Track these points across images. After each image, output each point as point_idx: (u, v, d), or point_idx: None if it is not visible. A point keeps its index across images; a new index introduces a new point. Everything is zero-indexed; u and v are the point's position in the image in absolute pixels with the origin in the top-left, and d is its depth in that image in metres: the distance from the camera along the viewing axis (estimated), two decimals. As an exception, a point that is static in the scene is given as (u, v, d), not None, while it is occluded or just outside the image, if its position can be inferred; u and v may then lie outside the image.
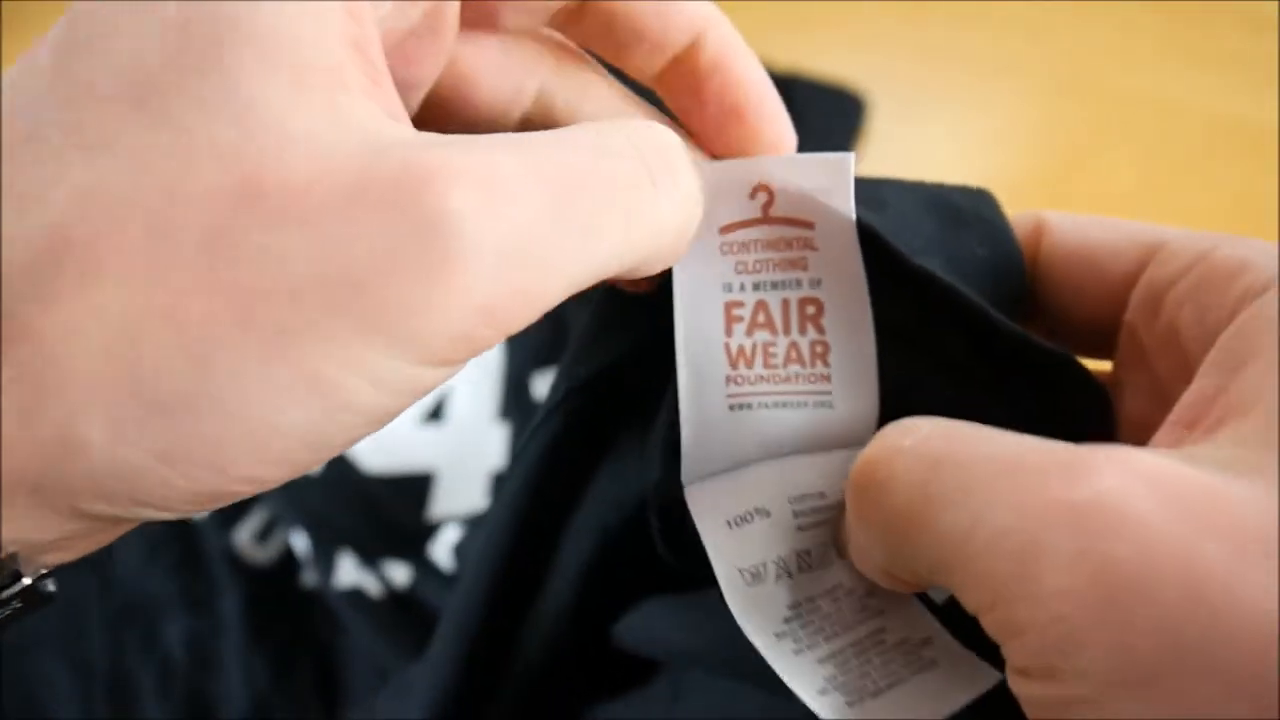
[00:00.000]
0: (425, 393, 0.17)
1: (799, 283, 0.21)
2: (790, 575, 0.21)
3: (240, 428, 0.15)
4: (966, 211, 0.22)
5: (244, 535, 0.42)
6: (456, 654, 0.26)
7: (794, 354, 0.21)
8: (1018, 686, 0.15)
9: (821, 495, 0.21)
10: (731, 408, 0.21)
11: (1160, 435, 0.18)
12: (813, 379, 0.21)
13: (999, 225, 0.23)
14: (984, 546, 0.15)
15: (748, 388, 0.21)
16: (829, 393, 0.21)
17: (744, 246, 0.21)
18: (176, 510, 0.16)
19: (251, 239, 0.14)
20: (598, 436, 0.25)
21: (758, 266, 0.21)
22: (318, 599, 0.42)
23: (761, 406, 0.21)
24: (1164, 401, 0.19)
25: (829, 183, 0.20)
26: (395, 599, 0.41)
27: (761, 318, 0.21)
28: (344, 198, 0.15)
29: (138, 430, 0.14)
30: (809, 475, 0.21)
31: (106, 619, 0.40)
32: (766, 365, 0.21)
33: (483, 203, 0.15)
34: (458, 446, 0.43)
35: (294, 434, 0.15)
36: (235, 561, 0.42)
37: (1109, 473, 0.14)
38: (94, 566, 0.41)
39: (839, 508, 0.20)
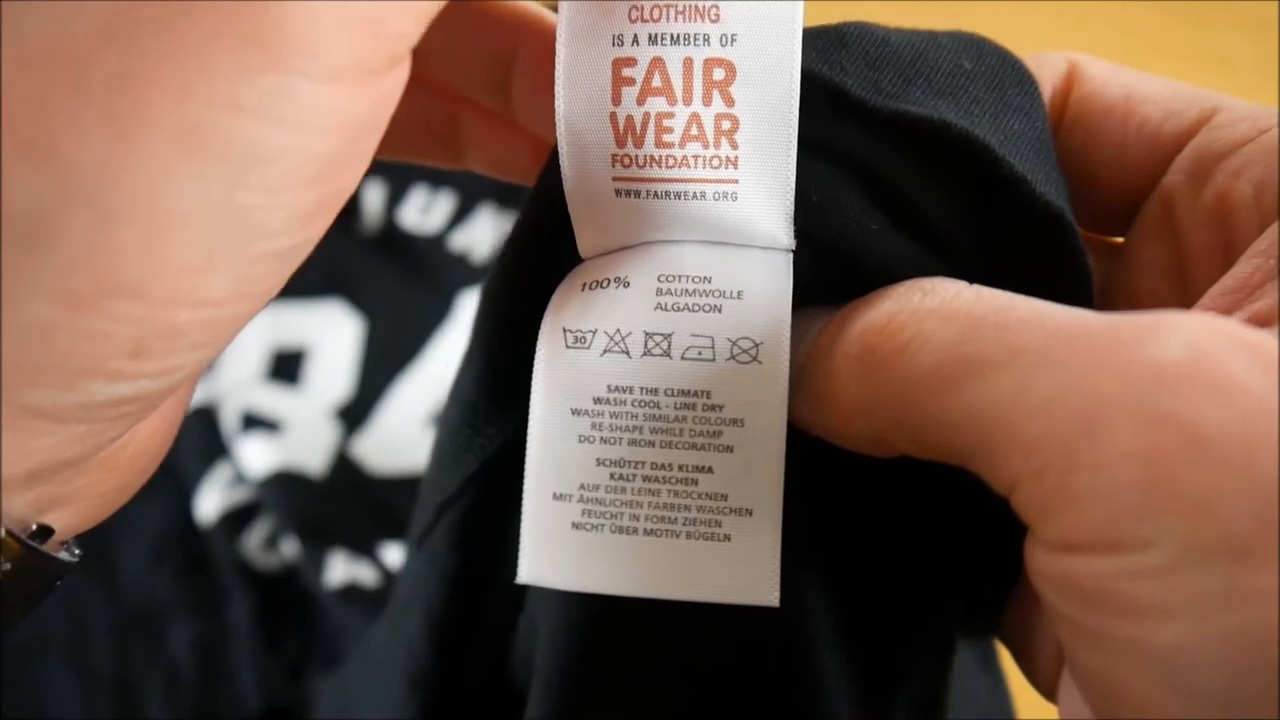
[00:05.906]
0: (358, 126, 0.13)
1: (705, 38, 0.16)
2: (626, 354, 0.17)
3: (129, 226, 0.12)
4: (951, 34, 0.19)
5: (252, 542, 0.42)
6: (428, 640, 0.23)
7: (694, 129, 0.17)
8: (1056, 564, 0.14)
9: (705, 279, 0.17)
10: (618, 193, 0.17)
11: None
12: (715, 163, 0.17)
13: (999, 51, 0.19)
14: (1035, 407, 0.13)
15: (636, 171, 0.17)
16: (734, 181, 0.17)
17: None
18: (136, 377, 0.13)
19: None
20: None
21: (656, 13, 0.16)
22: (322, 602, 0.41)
23: (651, 195, 0.17)
24: (1183, 284, 0.18)
25: None
26: (391, 583, 0.40)
27: (657, 80, 0.16)
28: None
29: (11, 266, 0.12)
30: (696, 257, 0.17)
31: (112, 625, 0.40)
32: (659, 144, 0.17)
33: None
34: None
35: (205, 218, 0.12)
36: (244, 569, 0.42)
37: (1198, 334, 0.13)
38: (98, 572, 0.41)
39: (727, 296, 0.17)
